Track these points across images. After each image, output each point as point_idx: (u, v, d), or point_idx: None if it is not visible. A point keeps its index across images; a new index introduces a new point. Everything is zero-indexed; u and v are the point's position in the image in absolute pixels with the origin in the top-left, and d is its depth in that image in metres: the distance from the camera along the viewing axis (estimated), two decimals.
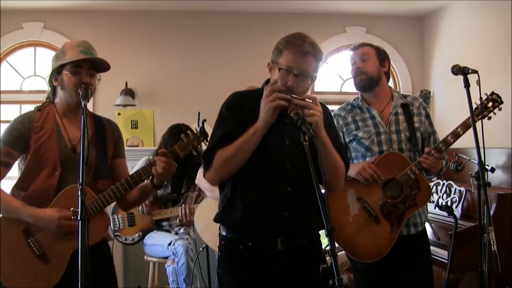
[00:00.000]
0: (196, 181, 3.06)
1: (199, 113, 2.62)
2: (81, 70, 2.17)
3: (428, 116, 2.77)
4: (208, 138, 2.13)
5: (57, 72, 2.22)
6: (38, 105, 2.29)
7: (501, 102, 2.58)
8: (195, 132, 2.24)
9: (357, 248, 2.54)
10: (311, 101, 1.86)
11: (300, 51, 1.89)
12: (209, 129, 2.16)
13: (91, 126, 2.28)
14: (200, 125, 2.47)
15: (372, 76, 2.68)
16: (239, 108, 2.01)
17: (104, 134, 2.31)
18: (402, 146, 2.65)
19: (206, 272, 3.95)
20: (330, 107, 2.29)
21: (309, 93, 1.96)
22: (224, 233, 2.06)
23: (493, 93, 2.59)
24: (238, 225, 1.99)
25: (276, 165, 1.96)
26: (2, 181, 2.20)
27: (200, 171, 2.99)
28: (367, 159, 2.65)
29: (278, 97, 1.85)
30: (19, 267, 2.12)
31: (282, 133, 1.96)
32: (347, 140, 2.72)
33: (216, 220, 2.09)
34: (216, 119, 2.06)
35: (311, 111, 1.82)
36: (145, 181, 2.25)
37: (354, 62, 2.73)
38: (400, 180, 2.56)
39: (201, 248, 3.66)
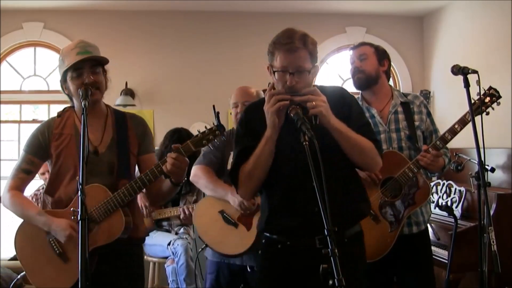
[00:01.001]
0: (192, 179, 3.04)
1: (213, 106, 2.52)
2: (82, 71, 2.16)
3: (429, 114, 2.77)
4: (225, 132, 2.14)
5: (63, 81, 2.24)
6: (60, 110, 2.34)
7: (499, 97, 2.56)
8: (212, 126, 2.14)
9: None
10: (311, 93, 1.86)
11: (290, 49, 1.89)
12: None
13: (112, 126, 2.29)
14: (215, 118, 2.40)
15: (369, 75, 2.69)
16: (250, 122, 2.04)
17: (126, 132, 2.30)
18: (402, 144, 2.65)
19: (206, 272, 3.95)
20: None
21: None
22: (266, 233, 2.09)
23: (490, 88, 2.57)
24: (276, 228, 2.03)
25: (298, 164, 1.94)
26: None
27: (195, 168, 2.95)
28: None
29: (277, 100, 1.86)
30: (42, 265, 2.19)
31: (296, 132, 1.90)
32: None
33: (258, 228, 2.15)
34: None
35: (313, 103, 1.82)
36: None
37: (353, 61, 2.74)
38: (398, 179, 2.55)
39: (200, 249, 3.63)
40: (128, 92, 5.09)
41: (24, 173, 2.25)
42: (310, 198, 1.92)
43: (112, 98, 4.95)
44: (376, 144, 2.01)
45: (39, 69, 5.27)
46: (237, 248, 2.77)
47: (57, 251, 2.18)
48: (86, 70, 2.16)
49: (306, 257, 1.94)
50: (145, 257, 4.04)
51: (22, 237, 2.25)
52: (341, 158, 1.94)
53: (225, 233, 2.81)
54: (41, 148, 2.24)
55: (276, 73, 1.93)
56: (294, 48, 1.89)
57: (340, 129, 1.89)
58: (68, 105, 2.36)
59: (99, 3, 4.99)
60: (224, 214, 2.83)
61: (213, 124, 2.14)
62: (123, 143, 2.27)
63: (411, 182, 2.56)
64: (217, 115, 2.30)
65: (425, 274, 2.66)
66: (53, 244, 2.19)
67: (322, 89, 2.06)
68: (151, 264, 4.07)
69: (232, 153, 2.86)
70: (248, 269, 2.85)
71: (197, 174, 3.01)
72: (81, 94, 2.09)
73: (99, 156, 2.21)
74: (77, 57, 2.15)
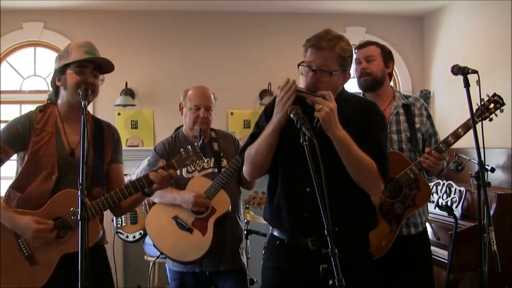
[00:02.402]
0: None
1: (200, 129, 2.75)
2: (86, 70, 2.16)
3: (429, 117, 2.77)
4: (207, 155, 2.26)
5: (60, 72, 2.20)
6: (40, 104, 2.28)
7: (503, 104, 2.59)
8: (196, 148, 2.23)
9: None
10: (323, 96, 1.86)
11: (316, 45, 1.93)
12: None
13: (91, 131, 2.27)
14: (200, 142, 2.57)
15: (376, 77, 2.67)
16: (273, 111, 2.03)
17: (102, 139, 2.30)
18: (403, 146, 2.65)
19: None
20: None
21: None
22: (270, 229, 2.17)
23: (495, 94, 2.59)
24: (276, 226, 2.10)
25: (300, 166, 1.95)
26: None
27: None
28: None
29: (291, 93, 1.87)
30: (8, 266, 2.10)
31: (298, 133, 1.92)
32: None
33: (263, 218, 2.22)
34: None
35: (320, 106, 1.82)
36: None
37: (359, 62, 2.71)
38: (399, 180, 2.55)
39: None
40: (128, 92, 5.09)
41: None
42: (302, 200, 1.96)
43: (112, 98, 4.96)
44: (381, 168, 1.95)
45: (39, 69, 5.26)
46: (193, 254, 2.73)
47: (26, 253, 2.11)
48: (89, 70, 2.17)
49: (300, 256, 1.98)
50: (145, 257, 4.05)
51: None
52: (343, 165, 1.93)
53: (179, 239, 2.77)
54: (19, 140, 2.17)
55: (301, 67, 1.97)
56: (321, 46, 1.92)
57: (341, 139, 1.87)
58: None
59: (99, 3, 4.98)
60: (178, 219, 2.80)
61: (197, 145, 2.25)
62: (99, 149, 2.27)
63: (412, 183, 2.56)
64: (202, 139, 2.59)
65: (424, 276, 2.66)
66: (22, 246, 2.11)
67: (350, 96, 2.09)
68: (151, 264, 4.07)
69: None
70: (207, 273, 2.82)
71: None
72: (81, 94, 2.08)
73: (75, 159, 2.17)
74: (85, 55, 2.16)
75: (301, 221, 1.97)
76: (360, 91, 2.82)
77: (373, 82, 2.68)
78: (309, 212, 1.95)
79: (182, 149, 2.24)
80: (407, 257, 2.60)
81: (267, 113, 2.09)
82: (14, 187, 2.19)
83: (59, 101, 2.27)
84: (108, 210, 2.20)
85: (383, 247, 2.51)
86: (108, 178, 2.30)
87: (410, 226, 2.63)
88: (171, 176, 2.14)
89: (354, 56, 2.71)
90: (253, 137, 2.07)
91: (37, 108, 2.26)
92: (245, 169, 2.10)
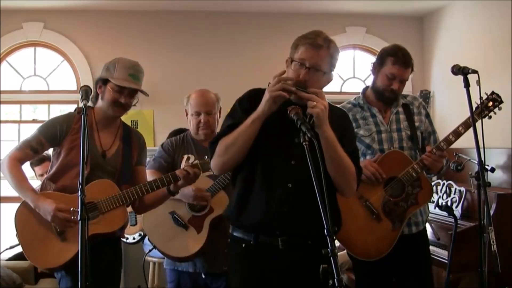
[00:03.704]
0: None
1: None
2: (123, 90, 2.40)
3: (428, 115, 2.79)
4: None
5: (103, 81, 2.44)
6: (80, 106, 2.42)
7: (501, 102, 2.61)
8: None
9: (358, 246, 2.55)
10: (316, 94, 1.86)
11: (313, 43, 1.93)
12: None
13: (120, 136, 2.53)
14: None
15: (398, 95, 2.69)
16: (251, 103, 1.99)
17: (130, 144, 2.55)
18: (403, 144, 2.66)
19: None
20: None
21: None
22: (230, 231, 2.08)
23: (493, 92, 2.61)
24: (242, 223, 2.02)
25: (281, 162, 1.97)
26: None
27: (147, 172, 2.88)
28: (368, 157, 2.65)
29: (281, 88, 1.86)
30: (40, 239, 2.33)
31: (293, 132, 1.87)
32: None
33: (224, 215, 2.16)
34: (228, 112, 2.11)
35: (314, 103, 1.83)
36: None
37: (393, 78, 2.60)
38: (402, 179, 2.56)
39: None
40: None
41: (31, 151, 2.41)
42: (282, 195, 1.94)
43: None
44: (357, 172, 2.00)
45: (39, 69, 5.26)
46: (184, 251, 2.72)
47: (57, 229, 2.32)
48: (126, 91, 2.41)
49: (272, 258, 1.95)
50: (145, 257, 4.04)
51: (28, 210, 2.34)
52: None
53: (173, 234, 2.77)
54: (55, 137, 2.41)
55: (293, 64, 1.95)
56: (318, 45, 1.93)
57: (330, 138, 1.88)
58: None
59: (99, 3, 4.98)
60: (175, 215, 2.80)
61: None
62: (127, 153, 2.52)
63: (414, 181, 2.57)
64: None
65: (424, 274, 2.67)
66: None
67: (329, 105, 2.08)
68: (151, 264, 4.07)
69: (184, 156, 2.86)
70: (203, 276, 2.80)
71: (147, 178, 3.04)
72: (81, 94, 2.14)
73: (105, 160, 2.43)
74: (128, 78, 2.43)
75: (277, 214, 1.93)
76: (357, 91, 2.83)
77: (393, 98, 2.69)
78: (288, 207, 1.93)
79: (206, 156, 2.42)
80: (408, 256, 2.61)
81: (242, 105, 2.05)
82: (50, 178, 2.43)
83: (97, 105, 2.49)
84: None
85: (386, 246, 2.52)
86: (134, 178, 2.53)
87: (411, 225, 2.64)
88: (195, 174, 2.43)
89: (392, 69, 2.58)
90: (229, 129, 1.98)
91: (75, 109, 2.45)
92: (217, 161, 1.99)
